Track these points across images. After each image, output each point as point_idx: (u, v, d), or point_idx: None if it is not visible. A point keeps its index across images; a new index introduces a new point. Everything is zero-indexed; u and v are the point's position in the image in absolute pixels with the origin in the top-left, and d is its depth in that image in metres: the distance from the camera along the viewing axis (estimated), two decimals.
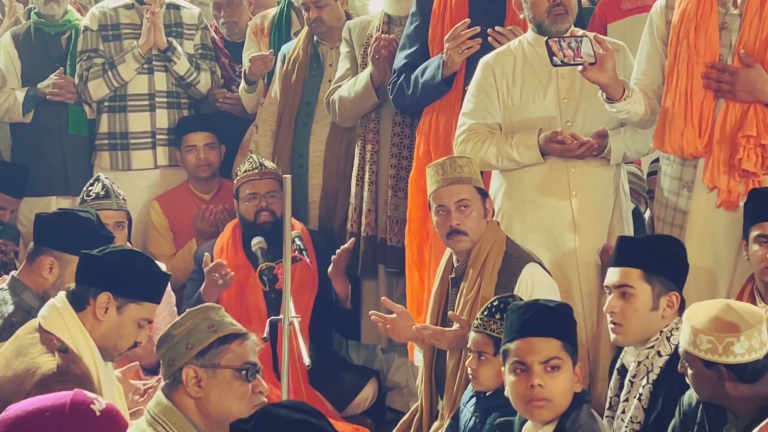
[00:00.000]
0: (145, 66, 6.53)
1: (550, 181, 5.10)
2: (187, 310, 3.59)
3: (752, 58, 4.64)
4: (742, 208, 4.59)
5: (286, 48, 6.51)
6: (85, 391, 3.03)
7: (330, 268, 5.91)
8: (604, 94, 4.75)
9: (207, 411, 3.40)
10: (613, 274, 4.28)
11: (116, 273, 3.99)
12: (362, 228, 6.04)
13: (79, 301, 3.98)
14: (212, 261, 5.81)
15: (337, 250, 5.89)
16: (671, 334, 4.20)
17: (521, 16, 5.26)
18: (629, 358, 4.30)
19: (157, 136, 6.62)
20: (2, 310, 4.64)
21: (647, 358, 4.20)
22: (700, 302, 3.91)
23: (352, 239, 5.97)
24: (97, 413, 2.90)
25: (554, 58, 4.62)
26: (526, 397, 3.66)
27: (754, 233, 4.41)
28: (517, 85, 5.15)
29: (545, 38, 4.73)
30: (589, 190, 5.10)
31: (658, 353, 4.19)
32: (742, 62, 4.65)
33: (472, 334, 4.34)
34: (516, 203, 5.18)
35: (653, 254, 4.32)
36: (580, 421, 3.63)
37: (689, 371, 3.76)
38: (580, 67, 4.63)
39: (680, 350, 3.80)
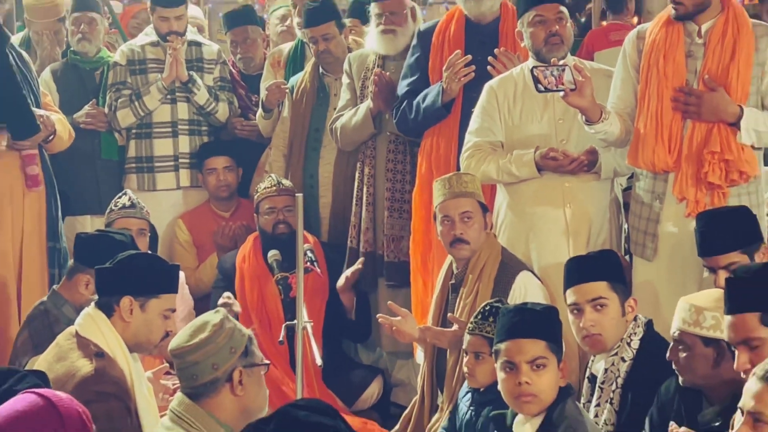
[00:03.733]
0: (168, 97, 6.57)
1: (545, 193, 5.13)
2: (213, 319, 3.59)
3: (715, 83, 4.69)
4: None
5: (294, 80, 6.55)
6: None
7: (340, 284, 5.95)
8: (584, 116, 4.80)
9: (246, 407, 3.44)
10: (583, 292, 4.28)
11: (130, 276, 4.02)
12: (361, 244, 6.08)
13: (106, 309, 4.01)
14: (235, 270, 5.92)
15: (349, 270, 5.94)
16: (630, 340, 4.25)
17: (522, 45, 5.31)
18: (597, 366, 4.33)
19: (180, 160, 6.66)
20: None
21: (613, 364, 4.24)
22: (693, 294, 4.00)
23: (362, 259, 5.98)
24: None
25: (539, 86, 4.69)
26: (515, 393, 3.72)
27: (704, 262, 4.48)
28: (517, 107, 5.19)
29: (530, 68, 4.82)
30: (581, 202, 5.14)
31: (622, 359, 4.23)
32: (706, 86, 4.70)
33: (467, 337, 4.39)
34: (517, 214, 5.23)
35: (612, 266, 4.38)
36: (565, 413, 3.67)
37: (682, 355, 3.79)
38: (561, 93, 4.70)
39: (674, 334, 3.83)
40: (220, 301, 5.50)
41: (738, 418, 3.08)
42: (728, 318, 3.50)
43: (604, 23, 8.71)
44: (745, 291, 3.50)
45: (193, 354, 3.48)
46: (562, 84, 4.67)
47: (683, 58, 4.78)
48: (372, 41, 6.19)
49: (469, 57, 5.47)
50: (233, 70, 7.08)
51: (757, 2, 9.25)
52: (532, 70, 4.76)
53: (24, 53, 6.08)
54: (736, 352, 3.47)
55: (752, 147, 4.77)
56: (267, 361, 3.63)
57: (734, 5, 4.83)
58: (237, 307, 5.60)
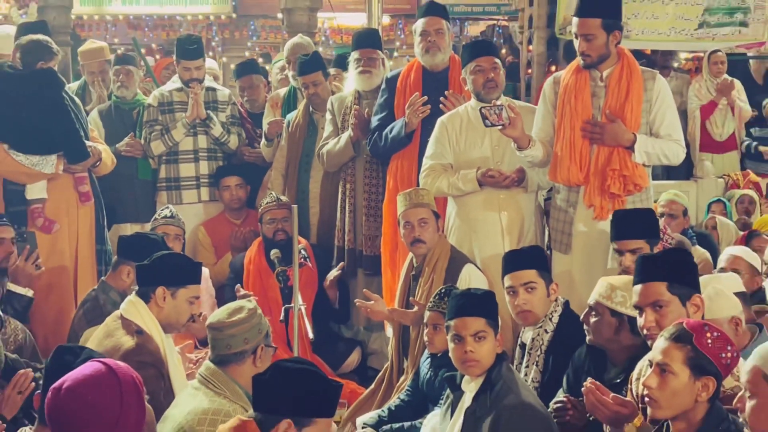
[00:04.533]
0: (191, 131, 6.55)
1: (485, 203, 5.14)
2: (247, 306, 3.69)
3: (614, 116, 4.72)
4: (610, 219, 4.60)
5: (290, 116, 6.52)
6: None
7: (326, 283, 5.94)
8: (516, 144, 4.82)
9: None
10: (518, 277, 4.28)
11: (163, 271, 4.06)
12: (345, 243, 6.06)
13: (144, 297, 4.04)
14: (243, 268, 5.90)
15: (332, 273, 5.94)
16: (552, 316, 4.28)
17: (466, 88, 5.30)
18: (526, 336, 4.34)
19: (201, 180, 6.64)
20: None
21: (539, 335, 4.26)
22: (611, 276, 4.01)
23: (342, 263, 6.00)
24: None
25: (486, 121, 4.70)
26: (462, 360, 3.73)
27: (612, 246, 4.50)
28: (462, 136, 5.20)
29: (479, 106, 4.85)
30: (513, 209, 5.15)
31: (546, 330, 4.26)
32: (607, 119, 4.74)
33: (427, 313, 4.39)
34: (463, 220, 5.23)
35: (539, 257, 4.41)
36: (501, 374, 3.68)
37: (593, 319, 3.81)
38: (500, 127, 4.72)
39: (591, 303, 3.84)
40: (238, 294, 5.49)
41: (639, 373, 3.11)
42: (638, 287, 3.58)
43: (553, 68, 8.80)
44: (655, 265, 3.59)
45: (231, 329, 3.57)
46: (502, 120, 4.69)
47: (589, 97, 4.81)
48: (351, 81, 6.18)
49: (426, 98, 5.49)
50: (241, 109, 7.05)
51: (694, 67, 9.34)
52: (480, 110, 4.76)
53: (75, 97, 6.08)
54: (644, 314, 3.53)
55: (643, 165, 4.81)
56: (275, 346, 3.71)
57: (627, 56, 4.85)
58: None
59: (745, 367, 2.83)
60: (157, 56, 12.89)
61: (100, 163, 5.94)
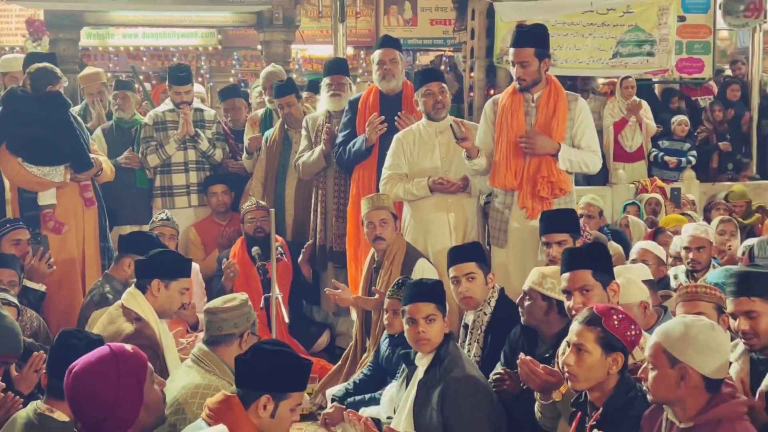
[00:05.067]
0: (182, 145, 6.48)
1: (436, 207, 5.14)
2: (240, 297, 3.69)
3: (542, 131, 4.76)
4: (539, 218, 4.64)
5: (268, 133, 6.49)
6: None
7: (300, 259, 5.96)
8: (467, 154, 4.83)
9: None
10: (461, 269, 4.28)
11: (158, 266, 4.03)
12: (317, 240, 6.05)
13: (142, 288, 4.00)
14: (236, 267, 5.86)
15: (303, 251, 5.98)
16: (490, 300, 4.29)
17: (418, 109, 5.30)
18: (468, 318, 4.36)
19: (190, 188, 6.57)
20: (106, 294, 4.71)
21: (479, 317, 4.28)
22: (543, 266, 4.05)
23: (310, 241, 6.04)
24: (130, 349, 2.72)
25: (456, 135, 4.75)
26: (415, 339, 3.75)
27: (541, 239, 4.52)
28: (415, 149, 5.19)
29: (449, 123, 4.84)
30: (459, 211, 5.15)
31: (485, 313, 4.27)
32: (534, 133, 4.76)
33: (387, 300, 4.39)
34: (417, 221, 5.21)
35: (480, 252, 4.41)
36: (448, 351, 3.70)
37: (527, 303, 3.83)
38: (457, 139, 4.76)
39: (525, 288, 3.86)
40: (224, 266, 5.53)
41: (563, 350, 3.12)
42: (567, 275, 3.59)
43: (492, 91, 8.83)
44: (580, 256, 3.63)
45: (224, 314, 3.58)
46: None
47: (523, 116, 4.83)
48: (323, 103, 6.15)
49: (383, 117, 5.48)
50: (225, 127, 6.98)
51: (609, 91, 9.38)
52: (451, 125, 4.78)
53: (77, 117, 6.02)
54: (572, 298, 3.55)
55: (567, 172, 4.83)
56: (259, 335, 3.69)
57: (554, 81, 4.88)
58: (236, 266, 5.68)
59: (648, 343, 2.84)
60: (154, 82, 12.87)
61: (101, 173, 5.90)
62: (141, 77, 9.60)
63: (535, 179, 4.76)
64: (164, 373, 3.80)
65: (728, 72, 10.80)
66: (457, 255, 4.37)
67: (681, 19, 9.19)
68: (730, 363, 3.25)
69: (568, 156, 4.77)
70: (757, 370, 3.24)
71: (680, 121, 8.80)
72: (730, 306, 3.33)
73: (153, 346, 3.86)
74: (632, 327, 3.05)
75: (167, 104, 6.67)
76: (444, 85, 5.27)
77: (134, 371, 2.65)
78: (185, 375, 3.49)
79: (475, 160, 4.82)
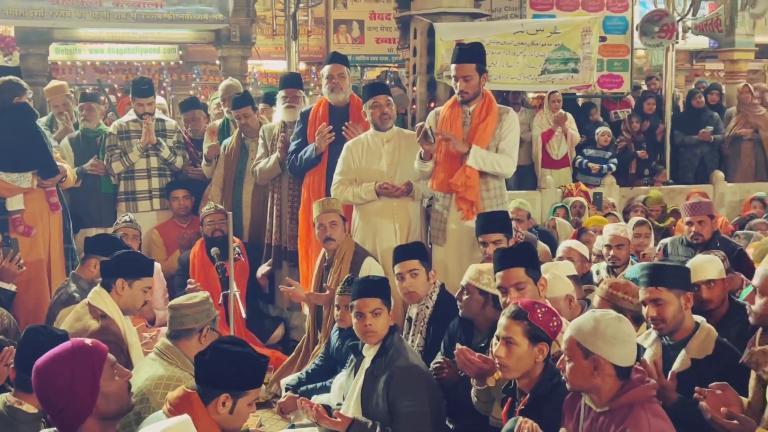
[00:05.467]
0: (144, 153, 6.40)
1: (382, 210, 5.13)
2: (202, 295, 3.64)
3: (472, 137, 4.77)
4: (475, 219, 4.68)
5: (226, 142, 6.45)
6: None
7: (258, 275, 5.85)
8: (422, 156, 4.82)
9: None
10: (405, 266, 4.28)
11: (122, 266, 3.98)
12: (272, 240, 5.99)
13: (107, 287, 3.95)
14: (188, 262, 5.80)
15: (262, 270, 5.84)
16: (432, 295, 4.30)
17: (366, 120, 5.28)
18: (412, 311, 4.36)
19: (153, 193, 6.48)
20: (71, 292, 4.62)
21: (422, 310, 4.29)
22: (479, 263, 4.05)
23: (270, 260, 5.90)
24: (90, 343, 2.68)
25: (430, 136, 4.74)
26: (363, 331, 3.74)
27: (479, 239, 4.55)
28: (364, 157, 5.18)
29: (425, 128, 4.78)
30: (403, 213, 5.14)
31: (427, 306, 4.28)
32: (467, 144, 4.78)
33: (338, 296, 4.37)
34: (365, 222, 5.20)
35: (422, 250, 4.42)
36: (393, 342, 3.70)
37: (465, 297, 3.85)
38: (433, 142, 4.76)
39: (464, 284, 3.87)
40: (188, 287, 5.36)
41: (494, 342, 3.15)
42: (502, 272, 3.61)
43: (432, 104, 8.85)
44: (514, 255, 3.68)
45: (185, 309, 3.54)
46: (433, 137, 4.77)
47: (461, 126, 4.86)
48: (279, 114, 6.12)
49: (331, 127, 5.46)
50: (185, 137, 6.92)
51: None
52: (427, 129, 4.77)
53: (43, 126, 5.91)
54: (508, 294, 3.57)
55: (480, 172, 4.80)
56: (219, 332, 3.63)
57: (489, 95, 4.92)
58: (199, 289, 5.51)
59: (564, 337, 2.87)
60: (119, 95, 12.71)
61: (65, 179, 5.80)
62: (107, 90, 9.43)
63: (465, 185, 4.78)
64: (129, 365, 3.74)
65: (644, 87, 11.01)
66: (402, 253, 4.37)
67: (602, 39, 9.35)
68: (645, 349, 3.34)
69: (480, 154, 4.76)
70: (668, 354, 3.31)
71: (603, 132, 8.94)
72: (642, 294, 3.39)
73: (118, 341, 3.81)
74: (554, 318, 3.10)
75: (131, 115, 6.57)
76: (390, 98, 5.26)
77: (89, 363, 2.62)
78: (149, 367, 3.44)
79: (428, 162, 4.83)
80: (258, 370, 2.81)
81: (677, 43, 10.08)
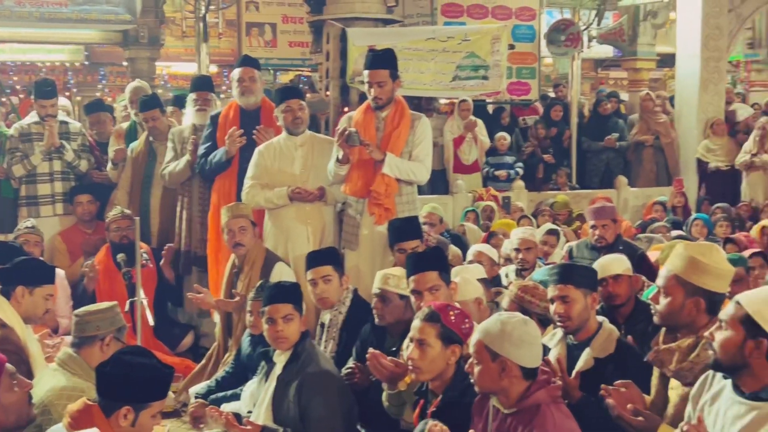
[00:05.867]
0: (47, 156, 6.19)
1: (295, 214, 5.08)
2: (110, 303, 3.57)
3: (386, 144, 4.79)
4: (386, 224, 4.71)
5: (133, 145, 6.31)
6: None
7: (163, 263, 5.78)
8: (341, 158, 4.78)
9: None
10: (318, 272, 4.25)
11: (22, 273, 3.86)
12: (182, 245, 5.88)
13: (6, 295, 3.80)
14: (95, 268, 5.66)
15: (165, 249, 5.80)
16: (345, 300, 4.29)
17: (278, 124, 5.22)
18: (325, 317, 4.34)
19: (56, 197, 6.26)
20: None
21: (335, 316, 4.28)
22: (387, 269, 4.06)
23: (169, 245, 5.85)
24: None
25: (355, 140, 4.72)
26: (274, 337, 3.69)
27: (396, 247, 4.55)
28: (276, 161, 5.13)
29: (345, 130, 4.73)
30: (316, 218, 5.11)
31: (340, 312, 4.27)
32: (382, 152, 4.78)
33: (250, 302, 4.27)
34: (277, 227, 5.14)
35: (334, 256, 4.42)
36: (305, 348, 3.67)
37: (383, 305, 3.84)
38: (360, 145, 4.72)
39: (377, 291, 3.87)
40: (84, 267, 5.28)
41: (407, 344, 3.17)
42: (416, 276, 3.64)
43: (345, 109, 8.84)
44: (428, 259, 3.72)
45: (88, 317, 3.46)
46: (360, 141, 4.75)
47: (374, 131, 4.87)
48: (190, 117, 6.03)
49: (242, 131, 5.40)
50: (91, 139, 6.74)
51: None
52: (351, 134, 4.72)
53: None
54: (422, 297, 3.59)
55: (397, 179, 4.84)
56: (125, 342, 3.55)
57: (401, 102, 4.95)
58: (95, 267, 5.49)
59: (471, 340, 2.91)
60: (22, 96, 12.27)
61: None
62: (8, 91, 9.10)
63: (386, 192, 4.80)
64: (30, 376, 3.58)
65: (552, 94, 11.31)
66: (314, 259, 4.35)
67: (511, 47, 9.57)
68: (550, 349, 3.42)
69: (394, 162, 4.80)
70: (572, 353, 3.40)
71: (500, 137, 9.14)
72: (550, 292, 3.48)
73: (18, 350, 3.62)
74: (466, 321, 3.14)
75: (33, 116, 6.35)
76: (303, 102, 5.23)
77: None
78: (51, 377, 3.34)
79: (345, 166, 4.82)
80: (161, 381, 2.74)
81: (582, 51, 10.40)
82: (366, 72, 4.85)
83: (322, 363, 3.64)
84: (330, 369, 3.67)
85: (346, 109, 8.63)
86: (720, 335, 2.48)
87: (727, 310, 2.49)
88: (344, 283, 4.34)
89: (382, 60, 4.82)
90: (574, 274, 3.43)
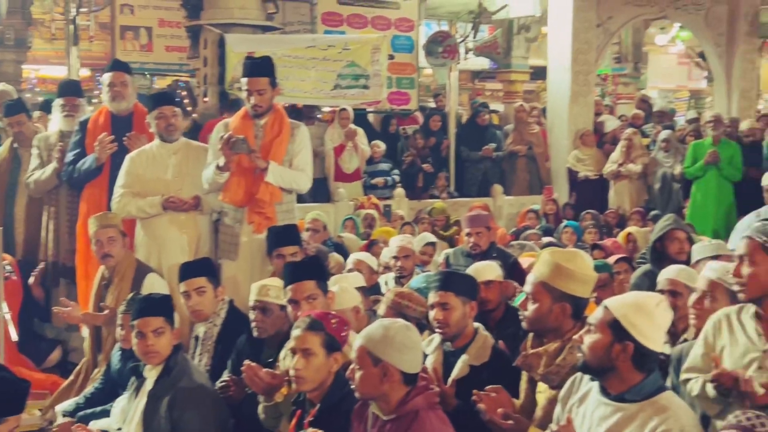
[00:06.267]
0: None
1: (169, 223, 4.96)
2: None
3: (266, 152, 4.74)
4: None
5: None
6: None
7: (31, 281, 5.55)
8: (223, 165, 4.68)
9: None
10: (191, 284, 4.15)
11: None
12: (49, 257, 5.68)
13: None
14: None
15: (33, 275, 5.58)
16: (219, 312, 4.20)
17: (151, 130, 5.08)
18: (200, 330, 4.24)
19: None
20: None
21: (209, 329, 4.19)
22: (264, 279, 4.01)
23: (41, 265, 5.63)
24: None
25: (242, 147, 4.62)
26: (143, 352, 3.59)
27: (274, 253, 4.50)
28: (148, 167, 4.99)
29: (231, 137, 4.62)
30: (191, 227, 5.01)
31: (215, 324, 4.19)
32: (265, 160, 4.73)
33: (121, 315, 4.10)
34: (150, 237, 5.00)
35: (210, 266, 4.36)
36: (177, 361, 3.59)
37: (263, 316, 3.79)
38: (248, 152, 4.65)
39: (255, 303, 3.80)
40: None
41: (285, 354, 3.13)
42: (293, 285, 3.60)
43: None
44: (306, 268, 3.70)
45: None
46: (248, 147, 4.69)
47: (253, 138, 4.81)
48: (57, 122, 5.83)
49: (113, 137, 5.24)
50: None
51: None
52: (242, 139, 4.62)
53: None
54: (300, 307, 3.55)
55: (280, 188, 4.82)
56: None
57: (279, 109, 4.92)
58: None
59: (354, 346, 2.90)
60: None
61: None
62: None
63: (258, 200, 4.75)
64: None
65: (432, 104, 11.51)
66: (188, 270, 4.25)
67: (391, 57, 9.70)
68: (426, 355, 3.46)
69: (277, 171, 4.77)
70: (448, 360, 3.45)
71: (374, 145, 9.23)
72: (431, 298, 3.52)
73: None
74: (345, 328, 3.15)
75: None
76: (176, 108, 5.12)
77: None
78: None
79: (226, 174, 4.73)
80: (16, 395, 2.61)
81: (459, 63, 10.65)
82: (245, 80, 4.80)
83: (195, 377, 3.56)
84: (203, 382, 3.59)
85: (225, 115, 8.49)
86: (588, 338, 2.57)
87: (595, 315, 2.59)
88: (219, 295, 4.27)
89: (261, 67, 4.79)
90: (455, 281, 3.51)
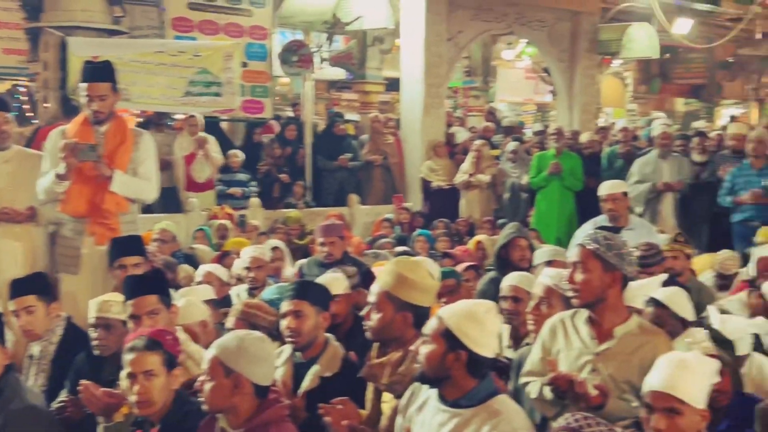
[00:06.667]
0: None
1: (3, 235, 4.74)
2: None
3: (110, 160, 4.58)
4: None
5: None
6: None
7: None
8: (62, 174, 4.47)
9: None
10: (18, 303, 3.91)
11: None
12: None
13: None
14: None
15: None
16: (55, 330, 3.98)
17: None
18: (34, 349, 3.98)
19: None
20: None
21: (45, 347, 3.97)
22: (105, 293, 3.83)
23: None
24: None
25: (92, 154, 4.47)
26: None
27: (116, 263, 4.28)
28: None
29: (76, 143, 4.43)
30: (27, 240, 4.81)
31: (50, 342, 3.98)
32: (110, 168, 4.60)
33: None
34: None
35: (42, 282, 4.10)
36: (9, 382, 3.35)
37: (104, 333, 3.61)
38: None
39: (95, 320, 3.63)
40: None
41: (126, 373, 2.99)
42: (132, 301, 3.47)
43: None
44: (147, 281, 3.57)
45: None
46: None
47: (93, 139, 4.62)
48: None
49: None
50: None
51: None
52: (89, 146, 4.46)
53: None
54: (141, 323, 3.39)
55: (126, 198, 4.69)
56: None
57: (120, 116, 4.79)
58: None
59: (205, 357, 2.81)
60: None
61: None
62: None
63: (102, 208, 4.59)
64: None
65: (290, 113, 11.45)
66: (16, 288, 4.02)
67: (244, 65, 9.58)
68: (277, 368, 3.42)
69: (122, 179, 4.63)
70: (299, 372, 3.43)
71: (232, 154, 9.10)
72: (285, 306, 3.45)
73: None
74: (179, 343, 3.08)
75: None
76: (8, 114, 4.92)
77: None
78: None
79: (66, 183, 4.53)
80: None
81: (314, 73, 10.66)
82: (84, 85, 4.62)
83: (27, 398, 3.37)
84: (37, 404, 3.41)
85: (62, 121, 8.13)
86: (424, 349, 2.62)
87: (429, 325, 2.66)
88: (52, 312, 4.04)
89: (102, 72, 4.63)
90: (310, 290, 3.50)
